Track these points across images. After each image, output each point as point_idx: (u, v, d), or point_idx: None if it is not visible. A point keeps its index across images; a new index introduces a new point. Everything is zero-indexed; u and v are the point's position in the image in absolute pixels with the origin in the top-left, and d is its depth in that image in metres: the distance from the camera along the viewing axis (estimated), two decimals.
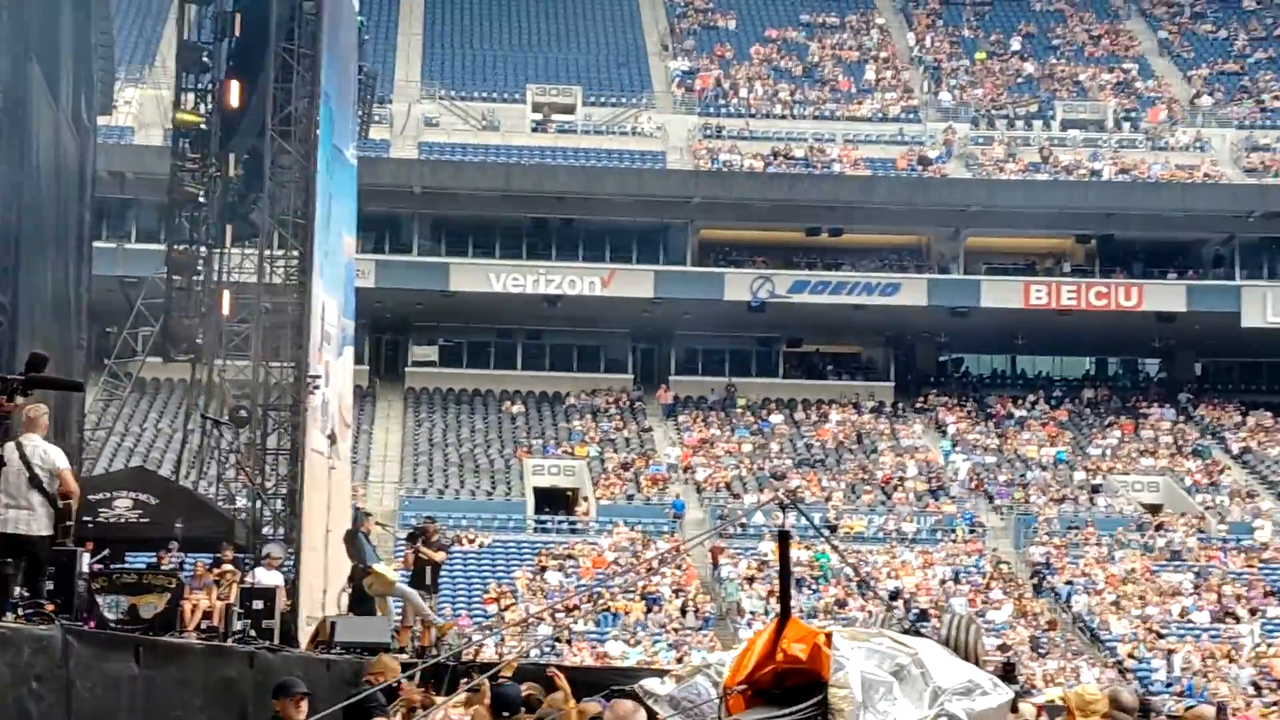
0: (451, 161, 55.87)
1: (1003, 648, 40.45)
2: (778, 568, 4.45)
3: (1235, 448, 53.73)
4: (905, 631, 5.20)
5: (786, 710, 3.98)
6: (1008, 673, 5.96)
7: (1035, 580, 45.36)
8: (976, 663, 4.81)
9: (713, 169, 57.28)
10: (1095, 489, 50.55)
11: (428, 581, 21.79)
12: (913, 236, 57.51)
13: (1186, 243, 56.22)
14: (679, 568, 45.35)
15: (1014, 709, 11.39)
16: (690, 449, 52.67)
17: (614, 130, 59.55)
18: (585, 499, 49.89)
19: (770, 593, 43.18)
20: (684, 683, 4.43)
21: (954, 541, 47.31)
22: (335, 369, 25.13)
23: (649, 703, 4.71)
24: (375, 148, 54.39)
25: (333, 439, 24.76)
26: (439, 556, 22.03)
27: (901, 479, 50.75)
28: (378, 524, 24.13)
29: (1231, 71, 63.37)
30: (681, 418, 55.19)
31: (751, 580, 43.34)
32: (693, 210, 54.96)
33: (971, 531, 47.97)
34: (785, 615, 4.22)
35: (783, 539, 4.38)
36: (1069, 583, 44.78)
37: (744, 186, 55.36)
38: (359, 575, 21.71)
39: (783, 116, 60.39)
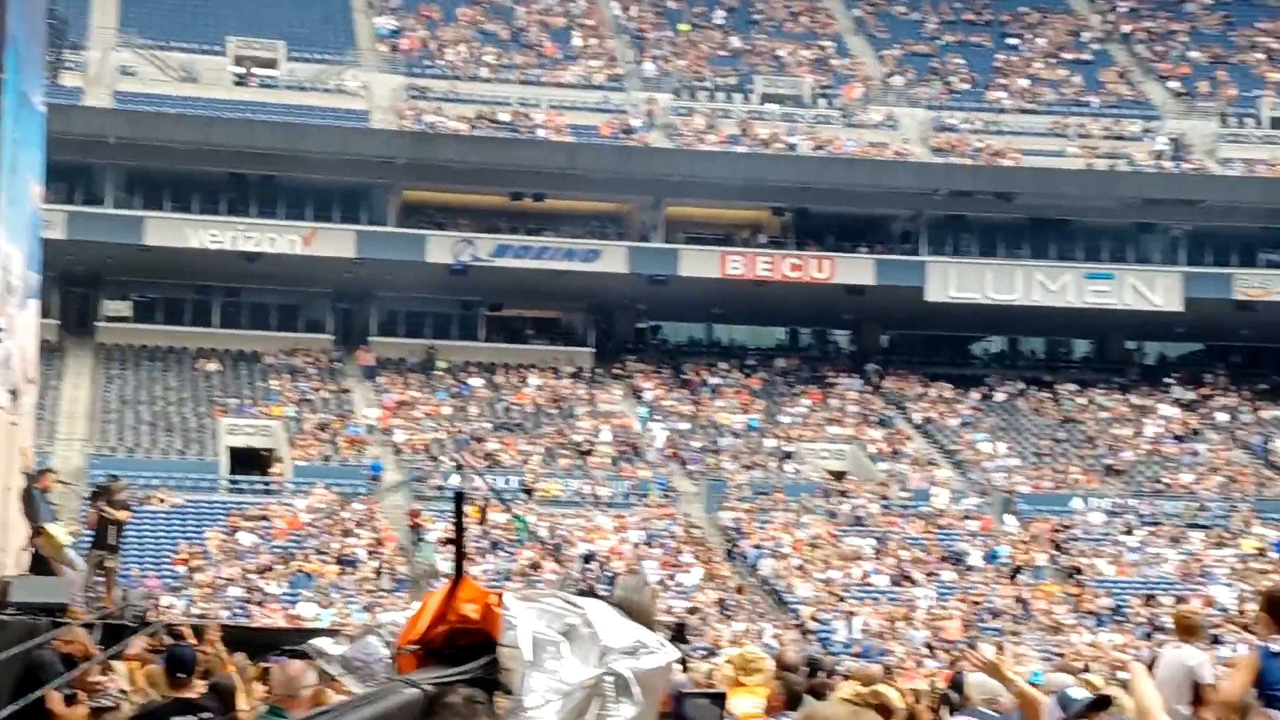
0: (149, 113, 54.42)
1: (692, 610, 41.42)
2: (454, 529, 4.57)
3: (917, 418, 55.77)
4: (580, 593, 5.39)
5: (457, 670, 4.13)
6: (679, 633, 6.16)
7: (728, 545, 46.45)
8: (649, 624, 4.99)
9: (417, 130, 56.97)
10: (785, 456, 51.96)
11: (111, 541, 21.33)
12: (615, 204, 58.16)
13: (876, 218, 58.00)
14: (375, 530, 45.23)
15: (685, 668, 11.74)
16: (389, 411, 52.46)
17: (317, 87, 58.74)
18: (280, 460, 49.34)
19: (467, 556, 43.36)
20: (356, 642, 4.54)
21: (647, 506, 48.13)
22: (19, 322, 24.37)
23: (320, 662, 4.81)
24: (67, 95, 52.66)
25: (15, 394, 24.01)
26: (122, 515, 21.57)
27: (592, 444, 51.36)
28: (59, 481, 23.54)
29: (922, 53, 65.50)
30: (381, 379, 54.93)
31: (449, 543, 43.39)
32: (396, 171, 54.64)
33: (665, 497, 48.87)
34: (459, 576, 4.36)
35: (458, 501, 4.52)
36: (757, 547, 45.98)
37: (448, 149, 55.25)
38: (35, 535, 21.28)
39: (488, 80, 60.36)
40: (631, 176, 55.26)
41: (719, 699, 4.53)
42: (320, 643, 4.78)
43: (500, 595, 4.47)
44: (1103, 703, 7.13)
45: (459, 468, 46.76)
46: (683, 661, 9.50)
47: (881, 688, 9.84)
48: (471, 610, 4.42)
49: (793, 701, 9.59)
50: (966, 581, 44.82)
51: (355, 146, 54.75)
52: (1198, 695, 10.34)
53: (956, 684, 13.13)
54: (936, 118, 61.46)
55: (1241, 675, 7.50)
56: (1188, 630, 11.00)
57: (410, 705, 3.91)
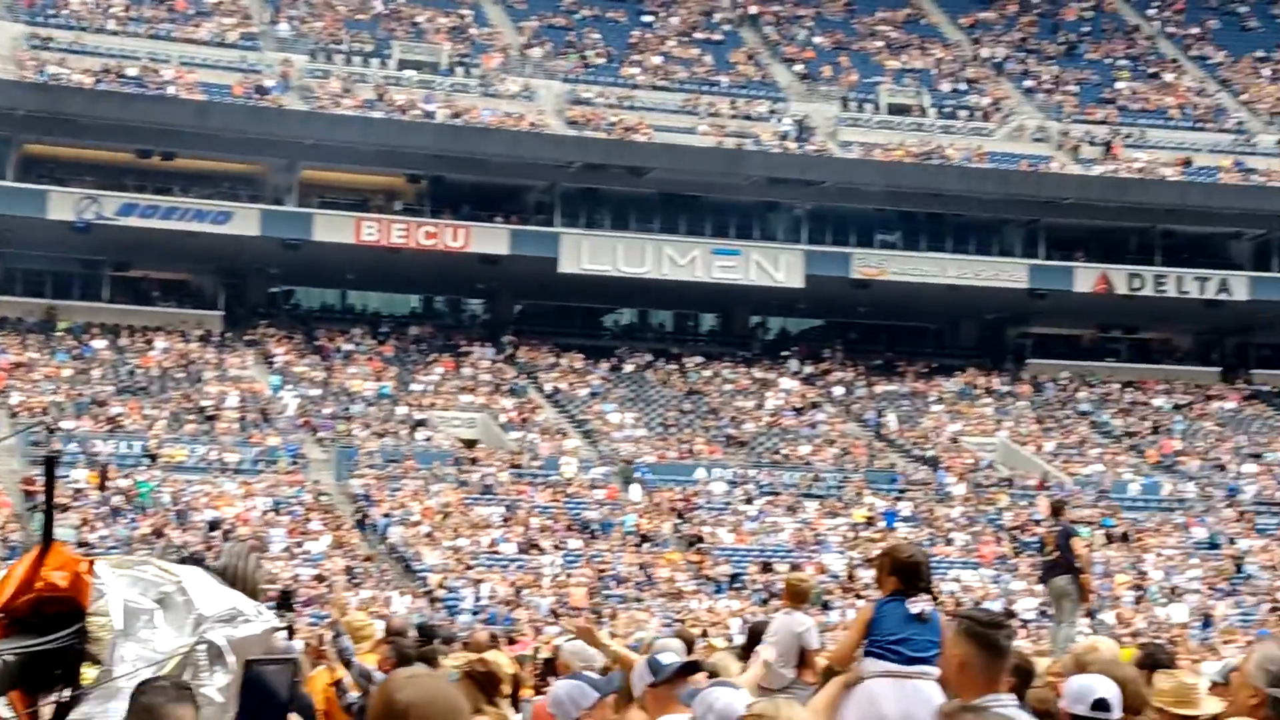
0: None
1: (319, 578, 41.19)
2: (44, 493, 4.61)
3: (548, 388, 56.44)
4: (182, 561, 5.46)
5: (42, 639, 4.17)
6: (284, 600, 6.27)
7: (359, 514, 46.24)
8: (254, 592, 5.09)
9: (39, 81, 54.86)
10: (417, 424, 51.97)
11: None
12: (248, 166, 57.09)
13: (512, 188, 58.34)
14: None
15: (291, 636, 11.78)
16: (5, 372, 50.50)
17: None
18: None
19: (84, 521, 42.21)
20: None
21: (276, 473, 47.57)
22: None
23: None
24: None
25: None
26: None
27: (219, 409, 50.48)
28: None
29: (560, 26, 66.13)
30: None
31: (65, 509, 42.13)
32: (16, 123, 52.52)
33: (294, 463, 48.37)
34: (48, 542, 4.40)
35: (49, 465, 4.55)
36: (387, 515, 45.92)
37: (73, 102, 53.36)
38: None
39: (116, 33, 58.49)
40: (265, 138, 54.31)
41: (291, 664, 4.65)
42: None
43: (91, 563, 4.51)
44: (692, 667, 7.40)
45: (50, 431, 45.32)
46: (289, 629, 9.56)
47: (490, 655, 10.12)
48: (60, 578, 4.43)
49: (401, 664, 9.83)
50: (592, 550, 45.65)
51: None
52: (804, 659, 10.87)
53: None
54: (572, 91, 62.17)
55: (852, 632, 7.94)
56: (797, 596, 11.47)
57: None
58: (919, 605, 7.55)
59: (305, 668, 10.77)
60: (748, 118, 62.32)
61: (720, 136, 60.32)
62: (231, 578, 5.02)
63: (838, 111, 63.87)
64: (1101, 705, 6.54)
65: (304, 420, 51.24)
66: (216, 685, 4.32)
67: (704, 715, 6.10)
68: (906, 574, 7.71)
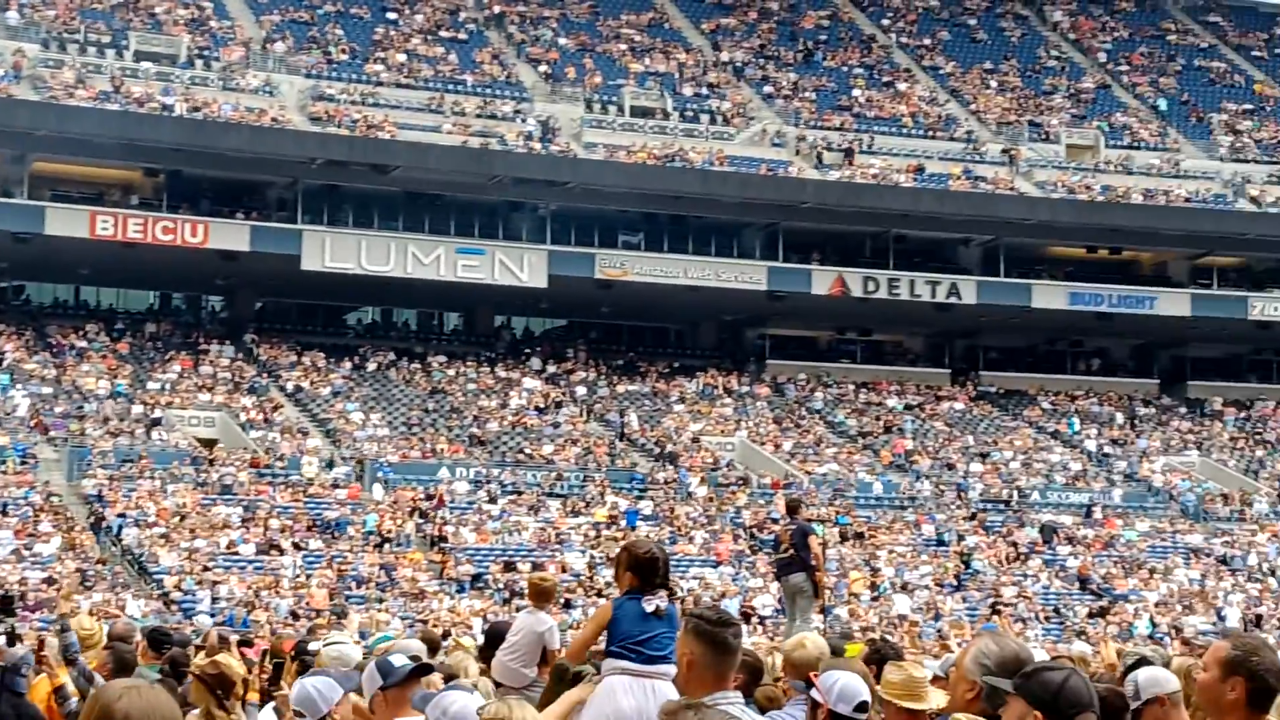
0: None
1: (49, 581, 40.13)
2: None
3: (290, 386, 55.81)
4: None
5: None
6: (4, 605, 6.17)
7: (92, 517, 45.15)
8: None
9: None
10: (153, 423, 50.94)
11: None
12: None
13: (253, 184, 57.54)
14: None
15: (12, 642, 11.56)
16: None
17: None
18: None
19: None
20: None
21: (4, 474, 46.20)
22: None
23: None
24: None
25: None
26: None
27: None
28: None
29: (303, 20, 65.43)
30: None
31: None
32: None
33: (24, 463, 47.03)
34: None
35: None
36: (121, 515, 44.94)
37: None
38: None
39: None
40: None
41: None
42: None
43: None
44: (424, 669, 7.48)
45: None
46: (10, 634, 9.42)
47: (222, 658, 10.13)
48: None
49: (121, 670, 9.77)
50: (334, 550, 45.29)
51: None
52: (545, 658, 11.04)
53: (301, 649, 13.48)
54: (315, 86, 61.54)
55: (587, 629, 8.03)
56: (540, 595, 11.59)
57: None
58: (654, 603, 7.65)
59: (30, 676, 10.60)
60: (493, 117, 62.42)
61: (465, 135, 60.30)
62: None
63: (582, 113, 64.35)
64: (863, 708, 6.87)
65: (35, 420, 49.85)
66: None
67: (438, 719, 6.14)
68: (643, 570, 7.81)
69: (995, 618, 42.18)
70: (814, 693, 6.95)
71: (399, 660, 7.10)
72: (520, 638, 10.85)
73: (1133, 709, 7.02)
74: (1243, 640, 5.70)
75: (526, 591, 11.84)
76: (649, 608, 7.61)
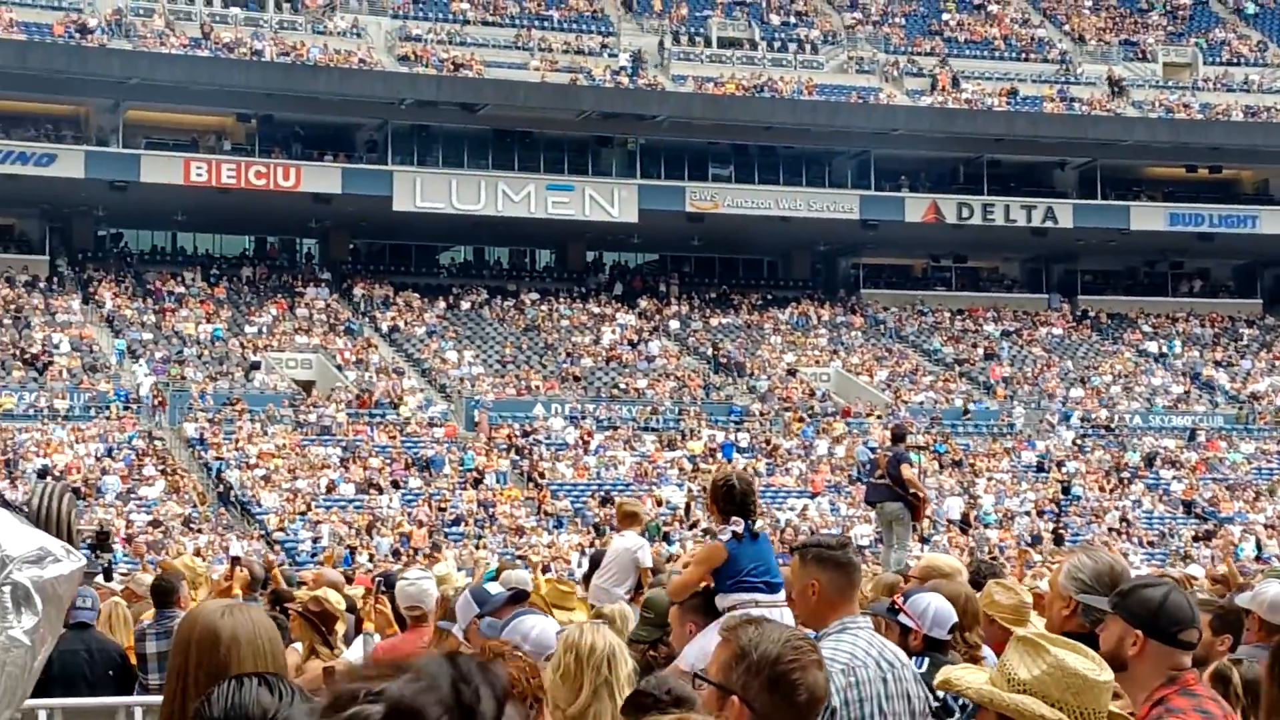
0: None
1: (154, 523, 40.68)
2: None
3: (384, 326, 56.12)
4: None
5: None
6: (101, 541, 6.20)
7: (194, 458, 45.66)
8: (69, 533, 5.04)
9: None
10: (252, 366, 51.40)
11: None
12: (71, 107, 55.83)
13: (343, 126, 57.75)
14: None
15: (109, 577, 11.66)
16: None
17: None
18: None
19: None
20: None
21: (108, 418, 46.82)
22: None
23: None
24: None
25: None
26: None
27: (50, 355, 49.50)
28: None
29: None
30: None
31: None
32: None
33: (126, 408, 47.63)
34: None
35: None
36: (220, 458, 45.44)
37: None
38: None
39: None
40: (88, 78, 53.10)
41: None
42: None
43: None
44: (520, 596, 7.48)
45: None
46: (107, 570, 9.48)
47: (323, 593, 10.17)
48: None
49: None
50: (432, 488, 45.58)
51: None
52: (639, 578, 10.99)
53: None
54: (402, 27, 61.52)
55: (697, 569, 7.89)
56: (629, 517, 11.57)
57: None
58: (741, 526, 7.62)
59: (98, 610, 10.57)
60: (580, 52, 62.15)
61: (552, 71, 60.10)
62: (42, 518, 4.96)
63: (669, 45, 63.93)
64: (955, 629, 6.82)
65: (134, 361, 50.43)
66: (23, 628, 4.28)
67: (520, 644, 6.11)
68: (735, 499, 7.79)
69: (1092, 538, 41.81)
70: (903, 617, 6.85)
71: (494, 589, 7.09)
72: (613, 559, 10.82)
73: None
74: None
75: (615, 514, 11.79)
76: (738, 529, 7.57)
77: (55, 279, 55.13)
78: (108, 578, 10.48)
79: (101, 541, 6.10)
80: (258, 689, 2.97)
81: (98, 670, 9.70)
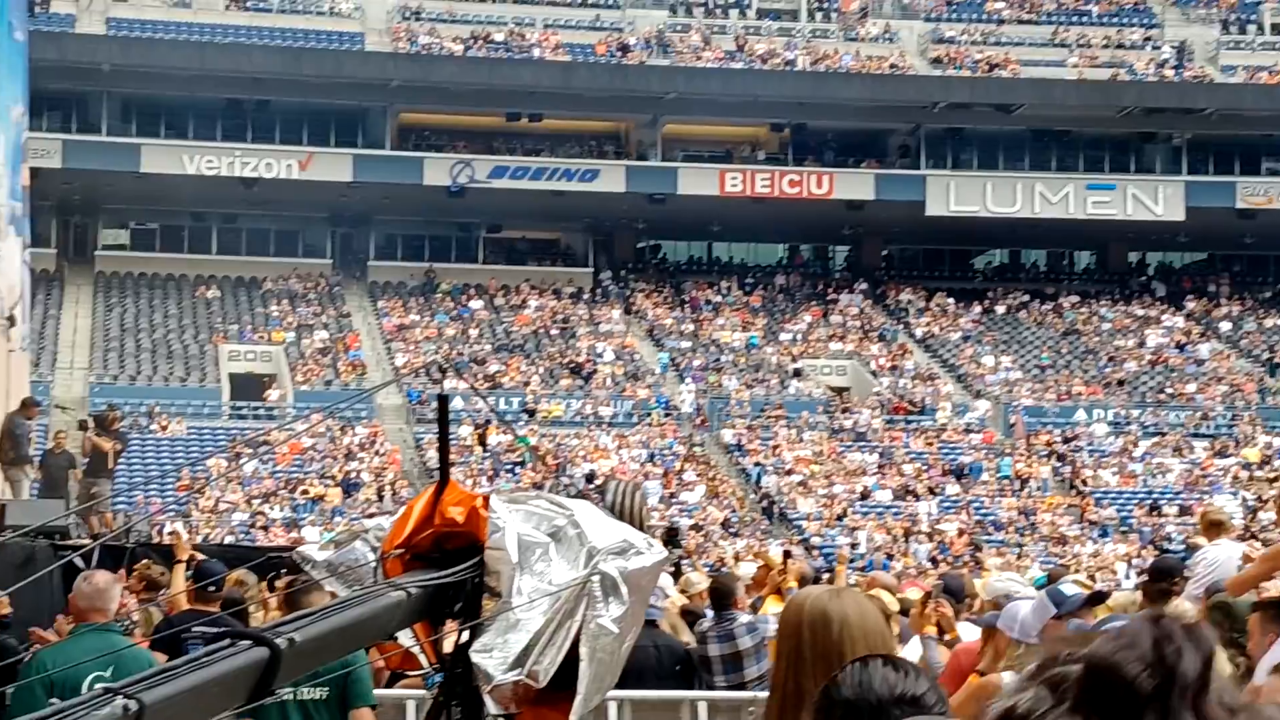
0: (143, 39, 54.07)
1: (695, 528, 41.50)
2: (438, 431, 4.54)
3: (918, 332, 55.69)
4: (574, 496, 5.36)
5: (443, 573, 4.09)
6: (670, 537, 6.14)
7: (739, 466, 46.40)
8: (641, 526, 4.98)
9: (412, 52, 56.57)
10: (794, 373, 51.90)
11: (103, 468, 21.99)
12: (612, 123, 57.82)
13: (875, 132, 57.68)
14: (379, 454, 45.30)
15: (678, 572, 11.70)
16: (389, 335, 52.37)
17: (310, 10, 58.30)
18: (274, 382, 49.42)
19: (467, 478, 43.41)
20: (342, 547, 4.50)
21: (649, 425, 48.12)
22: (6, 249, 24.21)
23: (306, 568, 4.78)
24: (60, 22, 52.42)
25: (11, 321, 23.95)
26: (106, 445, 21.97)
27: (595, 364, 51.28)
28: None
29: None
30: (381, 303, 54.80)
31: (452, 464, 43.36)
32: (392, 93, 54.25)
33: (666, 415, 48.85)
34: (444, 479, 4.33)
35: (442, 403, 4.47)
36: (758, 464, 46.00)
37: (444, 70, 54.84)
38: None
39: (482, 0, 59.85)
40: (628, 94, 54.89)
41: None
42: (307, 549, 4.76)
43: (486, 498, 4.41)
44: (1098, 598, 7.13)
45: (442, 370, 46.31)
46: (676, 566, 9.45)
47: (876, 592, 9.95)
48: (457, 514, 4.36)
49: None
50: (970, 495, 44.86)
51: (350, 69, 54.40)
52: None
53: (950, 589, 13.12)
54: (935, 30, 61.00)
55: (1265, 564, 7.41)
56: (1217, 526, 10.96)
57: (395, 608, 3.87)
58: None
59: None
60: (1120, 46, 60.14)
61: (1090, 67, 58.36)
62: (619, 512, 4.91)
63: (1217, 35, 61.07)
64: None
65: (673, 370, 51.69)
66: (611, 616, 4.27)
67: (1008, 628, 6.42)
68: None
69: None
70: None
71: (1070, 590, 6.72)
72: (1215, 568, 10.14)
73: None
74: None
75: (1200, 524, 11.10)
76: None
77: (598, 290, 57.14)
78: (678, 573, 10.46)
79: (671, 537, 6.03)
80: (883, 668, 2.84)
81: (665, 665, 9.68)
